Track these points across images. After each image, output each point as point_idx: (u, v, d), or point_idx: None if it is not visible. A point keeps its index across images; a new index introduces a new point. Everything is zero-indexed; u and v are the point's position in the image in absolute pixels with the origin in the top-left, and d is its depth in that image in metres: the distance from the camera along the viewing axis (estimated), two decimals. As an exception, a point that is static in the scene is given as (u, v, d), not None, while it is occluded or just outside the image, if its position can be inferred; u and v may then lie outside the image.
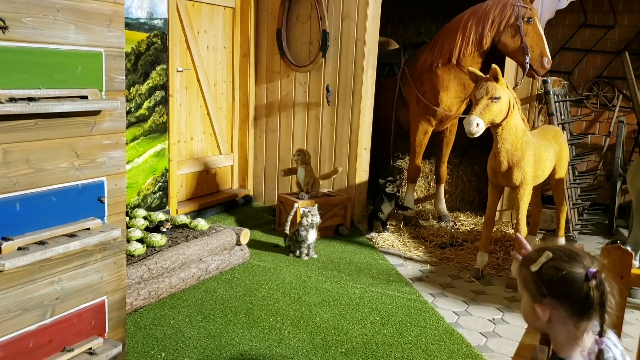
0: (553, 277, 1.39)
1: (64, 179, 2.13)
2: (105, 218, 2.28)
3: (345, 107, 5.51)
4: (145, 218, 4.52)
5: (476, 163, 6.09)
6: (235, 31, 5.78)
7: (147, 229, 4.30)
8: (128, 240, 3.94)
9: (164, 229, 4.25)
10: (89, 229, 2.19)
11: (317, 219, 4.61)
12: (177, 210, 5.09)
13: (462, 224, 5.57)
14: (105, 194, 2.26)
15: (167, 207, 5.01)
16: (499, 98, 3.81)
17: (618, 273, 1.85)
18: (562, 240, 4.79)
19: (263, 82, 5.93)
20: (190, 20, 5.20)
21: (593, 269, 1.37)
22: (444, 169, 5.67)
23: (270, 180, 6.06)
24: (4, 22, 1.81)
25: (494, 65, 3.83)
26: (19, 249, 1.97)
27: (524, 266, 1.47)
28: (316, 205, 4.72)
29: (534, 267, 1.42)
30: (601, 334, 1.36)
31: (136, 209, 4.61)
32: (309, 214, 4.58)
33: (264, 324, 3.46)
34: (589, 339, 1.42)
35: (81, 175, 2.19)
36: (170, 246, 3.96)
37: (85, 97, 2.11)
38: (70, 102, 2.04)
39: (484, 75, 3.91)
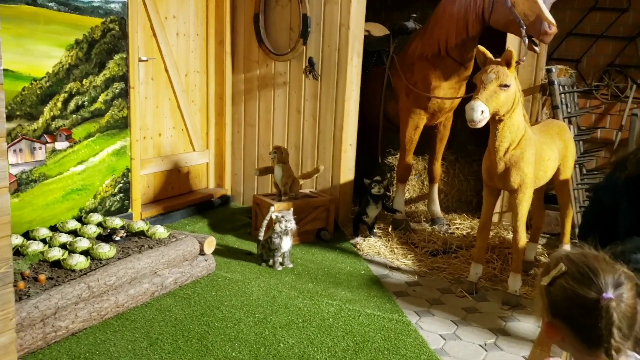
0: (559, 297, 1.23)
1: None
2: (-20, 244, 1.81)
3: (329, 99, 5.00)
4: (99, 224, 4.06)
5: (474, 160, 5.56)
6: (209, 17, 5.27)
7: (99, 237, 3.84)
8: (71, 252, 3.49)
9: (117, 238, 3.79)
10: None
11: (291, 225, 4.12)
12: (140, 214, 4.62)
13: (457, 228, 5.05)
14: (-22, 214, 1.78)
15: (129, 211, 4.54)
16: (509, 86, 3.31)
17: None
18: (567, 248, 4.28)
19: (240, 72, 5.42)
20: (156, 4, 4.70)
21: (608, 294, 1.15)
22: (438, 167, 5.15)
23: (249, 179, 5.57)
24: None
25: (509, 48, 3.33)
26: None
27: (541, 275, 1.31)
28: (291, 209, 4.23)
29: (545, 281, 1.27)
30: None
31: (91, 214, 4.15)
32: (282, 219, 4.10)
33: (217, 353, 2.99)
34: None
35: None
36: (119, 258, 3.50)
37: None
38: None
39: (494, 58, 3.40)
